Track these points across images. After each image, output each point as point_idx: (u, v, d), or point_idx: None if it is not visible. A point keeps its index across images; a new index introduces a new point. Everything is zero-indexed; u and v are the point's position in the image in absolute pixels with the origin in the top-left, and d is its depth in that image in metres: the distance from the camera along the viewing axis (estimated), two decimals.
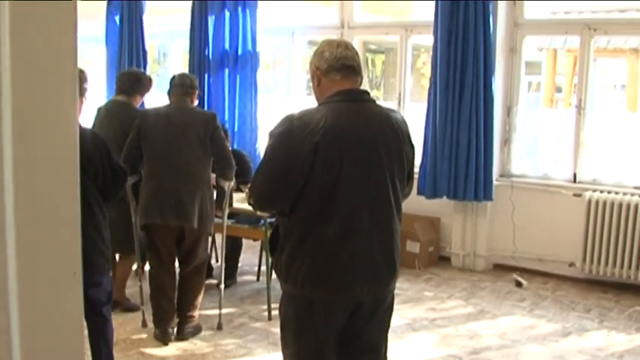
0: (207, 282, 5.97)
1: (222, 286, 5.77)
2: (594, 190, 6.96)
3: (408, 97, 8.11)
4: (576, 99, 7.23)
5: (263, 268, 6.79)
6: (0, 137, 1.20)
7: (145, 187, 5.25)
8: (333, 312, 3.01)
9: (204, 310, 5.77)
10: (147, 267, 5.91)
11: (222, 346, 5.37)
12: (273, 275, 5.59)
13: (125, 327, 5.62)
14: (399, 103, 8.06)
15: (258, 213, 3.17)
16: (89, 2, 10.19)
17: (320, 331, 3.03)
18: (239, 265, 6.94)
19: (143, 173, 5.34)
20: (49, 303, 1.35)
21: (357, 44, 8.35)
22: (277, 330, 3.28)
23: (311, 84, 3.17)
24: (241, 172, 5.94)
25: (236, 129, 8.65)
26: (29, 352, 1.29)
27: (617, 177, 7.19)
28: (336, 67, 3.03)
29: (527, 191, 7.40)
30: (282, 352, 3.22)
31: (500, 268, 7.51)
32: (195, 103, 5.57)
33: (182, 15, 9.18)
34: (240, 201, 5.79)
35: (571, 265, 7.14)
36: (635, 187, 6.91)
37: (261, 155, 3.35)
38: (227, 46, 8.64)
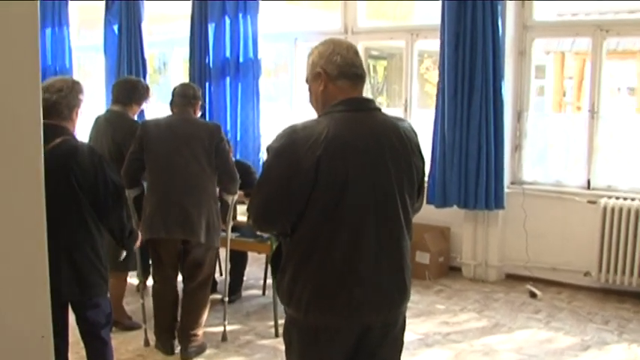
0: (211, 297, 5.75)
1: (227, 300, 5.56)
2: (609, 197, 6.75)
3: (415, 104, 7.89)
4: (589, 103, 7.01)
5: (269, 281, 6.58)
6: None
7: (148, 200, 5.07)
8: (339, 338, 2.81)
9: (208, 326, 5.55)
10: (149, 282, 5.72)
11: None
12: None
13: (127, 346, 5.40)
14: (406, 110, 7.85)
15: (258, 233, 2.93)
16: (87, 11, 10.02)
17: (326, 356, 2.83)
18: (244, 279, 6.72)
19: (146, 186, 5.16)
20: None
21: (360, 50, 8.14)
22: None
23: (312, 87, 2.88)
24: (246, 183, 5.72)
25: (238, 138, 8.45)
26: None
27: (633, 182, 6.97)
28: (348, 74, 2.80)
29: (540, 199, 7.18)
30: None
31: (513, 279, 7.29)
32: (199, 114, 5.37)
33: (182, 22, 8.98)
34: (244, 214, 5.57)
35: (586, 274, 6.92)
36: None
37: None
38: (228, 53, 8.45)
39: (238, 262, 6.46)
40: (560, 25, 7.57)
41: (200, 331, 5.21)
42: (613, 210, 6.62)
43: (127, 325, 5.71)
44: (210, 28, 8.50)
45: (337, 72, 2.78)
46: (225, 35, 8.43)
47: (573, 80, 11.04)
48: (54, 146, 3.70)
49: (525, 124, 7.37)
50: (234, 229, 5.65)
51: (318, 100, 2.86)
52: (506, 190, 7.15)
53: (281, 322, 5.00)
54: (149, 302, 5.35)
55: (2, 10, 1.08)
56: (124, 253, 4.47)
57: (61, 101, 3.76)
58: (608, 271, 6.71)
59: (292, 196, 2.67)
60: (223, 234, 5.40)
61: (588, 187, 7.02)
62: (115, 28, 9.34)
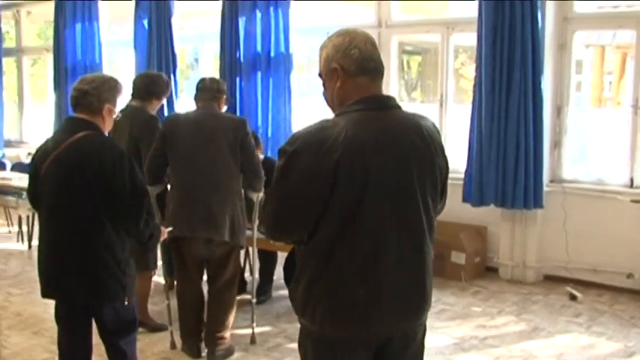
0: (239, 297, 5.61)
1: (254, 301, 5.39)
2: None
3: (450, 99, 7.67)
4: (632, 98, 6.73)
5: None
6: None
7: (171, 197, 4.93)
8: (356, 351, 2.62)
9: (236, 328, 5.40)
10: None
11: None
12: None
13: (152, 348, 5.27)
14: (442, 105, 7.63)
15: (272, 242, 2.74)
16: (118, 6, 9.92)
17: None
18: (274, 279, 6.54)
19: (170, 182, 5.02)
20: None
21: (394, 44, 7.95)
22: None
23: (328, 84, 2.64)
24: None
25: (269, 135, 8.29)
26: None
27: None
28: (367, 69, 2.57)
29: (581, 197, 6.91)
30: None
31: (552, 280, 7.03)
32: (224, 108, 5.21)
33: (213, 17, 8.83)
34: None
35: (629, 276, 6.64)
36: None
37: None
38: (259, 48, 8.28)
39: (268, 262, 6.29)
40: (603, 17, 7.28)
41: (227, 334, 5.05)
42: None
43: (153, 326, 5.56)
44: (241, 22, 8.35)
45: (355, 67, 2.55)
46: (257, 29, 8.26)
47: (613, 75, 10.73)
48: (74, 141, 3.59)
49: (565, 119, 7.11)
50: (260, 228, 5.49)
51: (335, 98, 2.63)
52: (545, 188, 6.89)
53: None
54: (175, 303, 5.20)
55: None
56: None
57: (91, 92, 3.65)
58: None
59: (309, 202, 2.48)
60: (249, 232, 5.24)
61: (631, 186, 6.75)
62: (145, 23, 9.24)
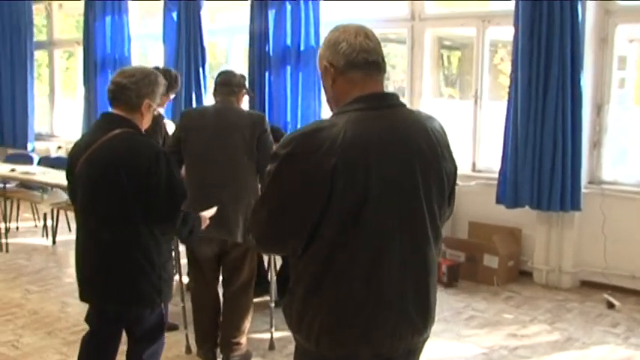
0: (261, 299, 5.43)
1: (273, 305, 5.16)
2: None
3: (485, 95, 7.36)
4: None
5: None
6: None
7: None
8: None
9: (254, 332, 5.19)
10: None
11: None
12: None
13: (167, 352, 5.01)
14: (476, 102, 7.34)
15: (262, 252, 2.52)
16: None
17: None
18: None
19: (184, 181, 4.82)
20: None
21: (429, 38, 7.67)
22: None
23: (324, 83, 2.46)
24: None
25: None
26: None
27: None
28: (357, 62, 2.35)
29: (620, 200, 6.58)
30: None
31: (589, 286, 6.71)
32: (243, 103, 4.98)
33: (245, 10, 8.62)
34: None
35: None
36: None
37: None
38: (289, 41, 8.07)
39: (288, 262, 6.05)
40: None
41: (243, 339, 4.83)
42: None
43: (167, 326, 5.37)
44: (271, 14, 8.15)
45: (344, 62, 2.35)
46: (286, 22, 8.05)
47: None
48: (108, 139, 3.43)
49: (606, 118, 6.77)
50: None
51: (330, 97, 2.45)
52: (583, 190, 6.57)
53: None
54: (190, 305, 5.00)
55: None
56: None
57: (130, 86, 3.48)
58: None
59: (304, 209, 2.27)
60: None
61: None
62: (174, 15, 9.09)
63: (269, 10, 8.14)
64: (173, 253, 5.00)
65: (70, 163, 3.61)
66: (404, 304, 2.35)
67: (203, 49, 8.89)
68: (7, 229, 8.48)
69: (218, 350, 4.86)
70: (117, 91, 3.49)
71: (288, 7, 8.00)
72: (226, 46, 9.93)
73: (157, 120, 5.12)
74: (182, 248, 5.22)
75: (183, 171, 4.65)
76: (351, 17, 8.22)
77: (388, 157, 2.28)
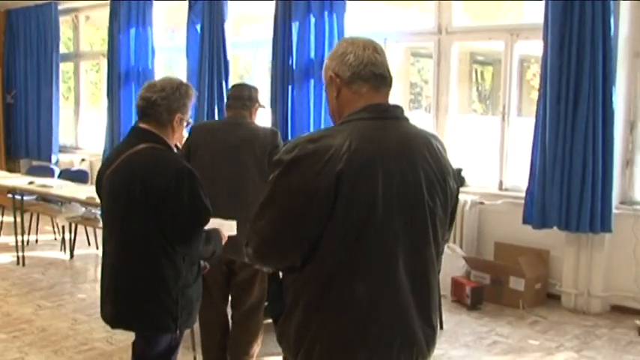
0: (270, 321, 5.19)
1: None
2: None
3: (513, 111, 7.11)
4: None
5: None
6: None
7: None
8: None
9: (265, 355, 4.97)
10: None
11: None
12: None
13: None
14: (504, 118, 7.09)
15: (257, 267, 2.41)
16: (176, 12, 9.69)
17: None
18: None
19: None
20: None
21: (456, 52, 7.45)
22: None
23: (328, 94, 2.41)
24: None
25: None
26: None
27: None
28: (363, 75, 2.30)
29: None
30: None
31: (620, 311, 6.40)
32: (256, 117, 4.79)
33: (269, 22, 8.47)
34: None
35: None
36: None
37: None
38: (312, 54, 7.89)
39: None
40: None
41: None
42: None
43: None
44: (294, 27, 7.98)
45: (350, 73, 2.30)
46: (310, 35, 7.88)
47: None
48: (131, 153, 3.27)
49: (639, 136, 6.49)
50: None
51: (334, 109, 2.38)
52: (614, 210, 6.28)
53: None
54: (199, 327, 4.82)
55: None
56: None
57: (160, 102, 3.30)
58: None
59: (307, 220, 2.16)
60: None
61: None
62: (198, 27, 8.96)
63: (293, 22, 7.98)
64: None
65: (97, 178, 3.50)
66: (410, 324, 2.26)
67: (226, 61, 8.76)
68: (27, 242, 8.44)
69: None
70: (147, 107, 3.32)
71: (312, 20, 7.84)
72: (251, 59, 9.80)
73: None
74: None
75: None
76: (376, 31, 8.04)
77: (394, 168, 2.20)
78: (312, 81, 7.93)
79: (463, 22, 7.61)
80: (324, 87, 2.44)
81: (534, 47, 6.99)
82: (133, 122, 3.51)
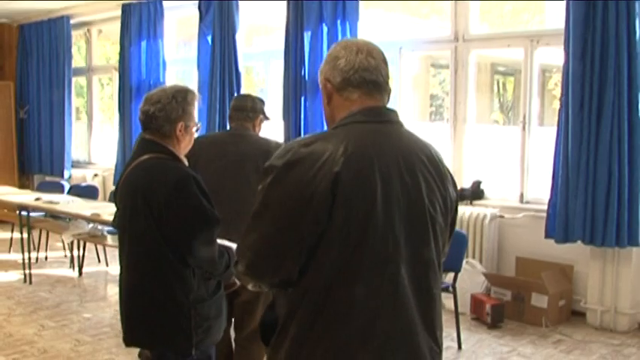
0: None
1: None
2: None
3: (534, 121, 6.83)
4: None
5: None
6: None
7: None
8: None
9: None
10: None
11: None
12: None
13: None
14: (524, 128, 6.81)
15: (250, 287, 2.21)
16: (188, 24, 9.53)
17: None
18: None
19: None
20: None
21: (472, 60, 7.19)
22: None
23: (322, 100, 2.29)
24: None
25: None
26: None
27: None
28: (354, 81, 2.17)
29: None
30: None
31: None
32: (259, 129, 4.55)
33: (281, 33, 8.26)
34: None
35: None
36: None
37: None
38: None
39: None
40: None
41: None
42: None
43: None
44: (306, 37, 7.77)
45: (340, 79, 2.18)
46: (323, 44, 7.66)
47: None
48: (137, 164, 3.15)
49: None
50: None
51: (327, 115, 2.27)
52: None
53: None
54: None
55: None
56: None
57: (158, 114, 3.17)
58: None
59: (303, 229, 2.02)
60: None
61: None
62: (209, 39, 8.78)
63: (305, 32, 7.77)
64: None
65: (113, 194, 3.44)
66: (414, 339, 2.11)
67: (238, 73, 8.56)
68: (36, 260, 8.32)
69: None
70: (147, 121, 3.21)
71: (325, 29, 7.62)
72: (264, 70, 9.60)
73: None
74: None
75: None
76: (390, 39, 7.81)
77: (393, 171, 2.08)
78: None
79: (481, 29, 7.34)
80: (321, 91, 2.29)
81: (556, 56, 6.70)
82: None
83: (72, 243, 8.00)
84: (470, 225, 6.76)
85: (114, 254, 5.28)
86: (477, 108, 8.93)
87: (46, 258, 8.72)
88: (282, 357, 2.10)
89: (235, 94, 8.48)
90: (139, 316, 3.20)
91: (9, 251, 8.92)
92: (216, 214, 3.19)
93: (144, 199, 3.08)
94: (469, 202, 7.02)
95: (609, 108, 5.84)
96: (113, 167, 10.17)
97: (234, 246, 3.55)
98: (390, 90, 2.23)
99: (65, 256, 8.62)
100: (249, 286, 2.22)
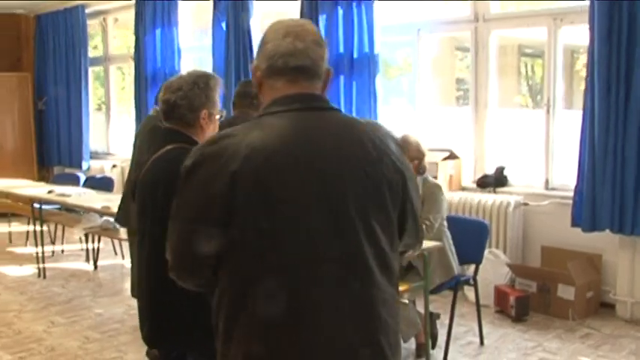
0: None
1: None
2: None
3: (559, 104, 6.52)
4: None
5: None
6: None
7: None
8: None
9: None
10: None
11: None
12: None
13: None
14: (548, 111, 6.49)
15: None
16: (203, 12, 9.32)
17: None
18: None
19: None
20: None
21: (493, 42, 6.88)
22: None
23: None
24: None
25: None
26: None
27: None
28: (277, 67, 2.03)
29: None
30: None
31: None
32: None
33: (297, 17, 8.03)
34: None
35: None
36: None
37: None
38: (341, 48, 7.40)
39: None
40: None
41: None
42: None
43: None
44: (322, 20, 7.51)
45: (265, 65, 2.05)
46: (338, 28, 7.40)
47: None
48: (160, 155, 3.02)
49: None
50: None
51: (261, 104, 2.13)
52: None
53: None
54: None
55: None
56: None
57: (180, 103, 3.03)
58: None
59: (209, 229, 1.92)
60: None
61: None
62: (223, 25, 8.55)
63: (320, 15, 7.51)
64: None
65: (132, 187, 3.31)
66: (346, 346, 1.92)
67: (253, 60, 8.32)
68: (52, 253, 8.26)
69: None
70: (169, 110, 3.07)
71: (340, 11, 7.36)
72: None
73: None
74: None
75: None
76: (407, 20, 7.53)
77: (304, 165, 1.92)
78: (341, 77, 7.43)
79: (504, 8, 7.03)
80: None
81: (580, 32, 6.38)
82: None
83: (86, 236, 7.85)
84: (493, 213, 6.48)
85: None
86: (504, 91, 8.65)
87: (62, 251, 8.61)
88: (219, 354, 2.02)
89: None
90: (166, 315, 3.02)
91: (25, 245, 8.82)
92: None
93: (165, 190, 2.85)
94: (492, 189, 6.74)
95: (638, 89, 5.53)
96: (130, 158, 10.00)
97: None
98: (324, 73, 2.06)
99: (81, 249, 8.48)
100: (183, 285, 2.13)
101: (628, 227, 5.66)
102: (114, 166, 10.64)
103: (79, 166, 10.94)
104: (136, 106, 9.91)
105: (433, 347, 5.18)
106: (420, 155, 5.07)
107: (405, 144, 5.08)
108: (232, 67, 8.39)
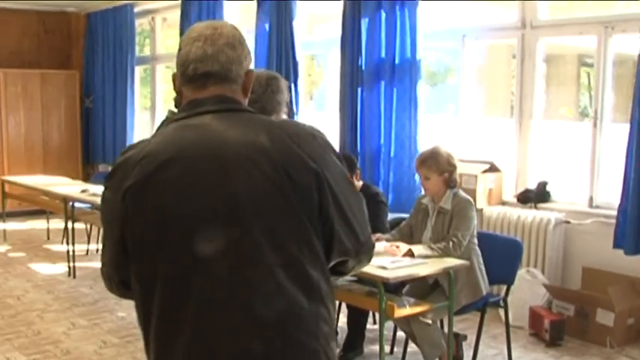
0: None
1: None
2: None
3: (607, 117, 6.17)
4: None
5: (399, 335, 5.26)
6: None
7: None
8: None
9: None
10: None
11: None
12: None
13: None
14: (595, 124, 6.15)
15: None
16: (250, 13, 9.20)
17: None
18: (366, 330, 5.40)
19: None
20: None
21: (540, 50, 6.55)
22: None
23: None
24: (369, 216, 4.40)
25: (392, 155, 7.15)
26: None
27: None
28: (187, 76, 1.95)
29: None
30: None
31: None
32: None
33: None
34: None
35: None
36: None
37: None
38: (383, 54, 7.17)
39: (356, 313, 5.19)
40: None
41: None
42: None
43: None
44: (364, 24, 7.29)
45: (179, 73, 1.98)
46: (381, 33, 7.17)
47: None
48: None
49: None
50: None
51: None
52: None
53: None
54: None
55: None
56: None
57: (252, 106, 2.87)
58: None
59: (113, 243, 1.90)
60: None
61: None
62: (267, 26, 8.41)
63: (362, 19, 7.30)
64: None
65: None
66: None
67: (295, 62, 8.15)
68: (86, 252, 8.31)
69: None
70: None
71: (383, 15, 7.12)
72: (321, 59, 9.20)
73: None
74: None
75: None
76: (453, 26, 7.26)
77: (200, 172, 1.82)
78: (382, 82, 7.20)
79: (553, 15, 6.70)
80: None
81: (628, 41, 6.04)
82: None
83: None
84: (532, 230, 6.17)
85: None
86: (562, 102, 8.29)
87: (97, 250, 8.55)
88: None
89: (293, 84, 8.12)
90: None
91: (62, 242, 8.78)
92: None
93: None
94: (533, 205, 6.42)
95: None
96: None
97: None
98: (238, 80, 1.96)
99: None
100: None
101: None
102: None
103: None
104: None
105: None
106: (450, 168, 4.82)
107: (435, 156, 4.86)
108: (274, 68, 8.22)
